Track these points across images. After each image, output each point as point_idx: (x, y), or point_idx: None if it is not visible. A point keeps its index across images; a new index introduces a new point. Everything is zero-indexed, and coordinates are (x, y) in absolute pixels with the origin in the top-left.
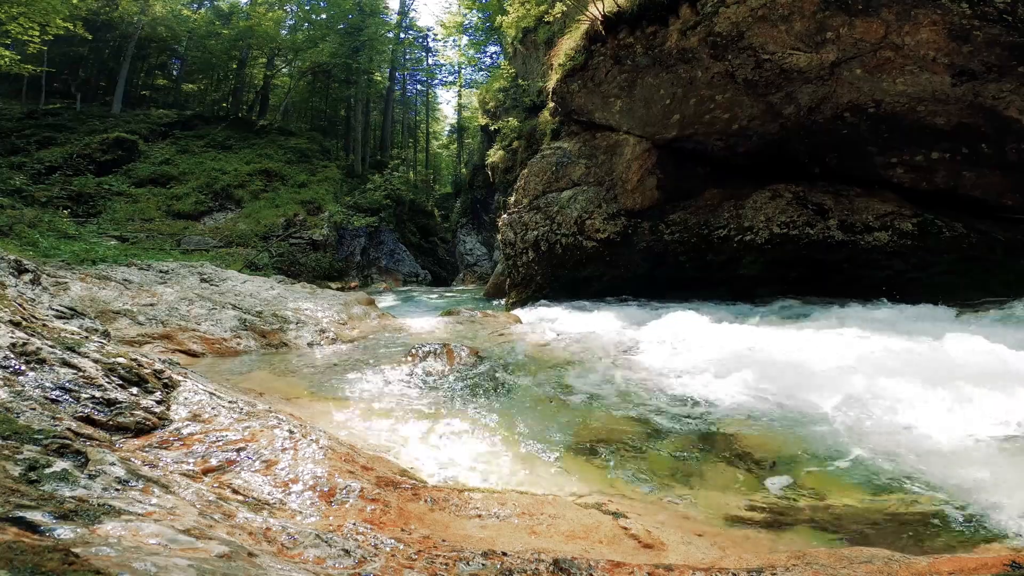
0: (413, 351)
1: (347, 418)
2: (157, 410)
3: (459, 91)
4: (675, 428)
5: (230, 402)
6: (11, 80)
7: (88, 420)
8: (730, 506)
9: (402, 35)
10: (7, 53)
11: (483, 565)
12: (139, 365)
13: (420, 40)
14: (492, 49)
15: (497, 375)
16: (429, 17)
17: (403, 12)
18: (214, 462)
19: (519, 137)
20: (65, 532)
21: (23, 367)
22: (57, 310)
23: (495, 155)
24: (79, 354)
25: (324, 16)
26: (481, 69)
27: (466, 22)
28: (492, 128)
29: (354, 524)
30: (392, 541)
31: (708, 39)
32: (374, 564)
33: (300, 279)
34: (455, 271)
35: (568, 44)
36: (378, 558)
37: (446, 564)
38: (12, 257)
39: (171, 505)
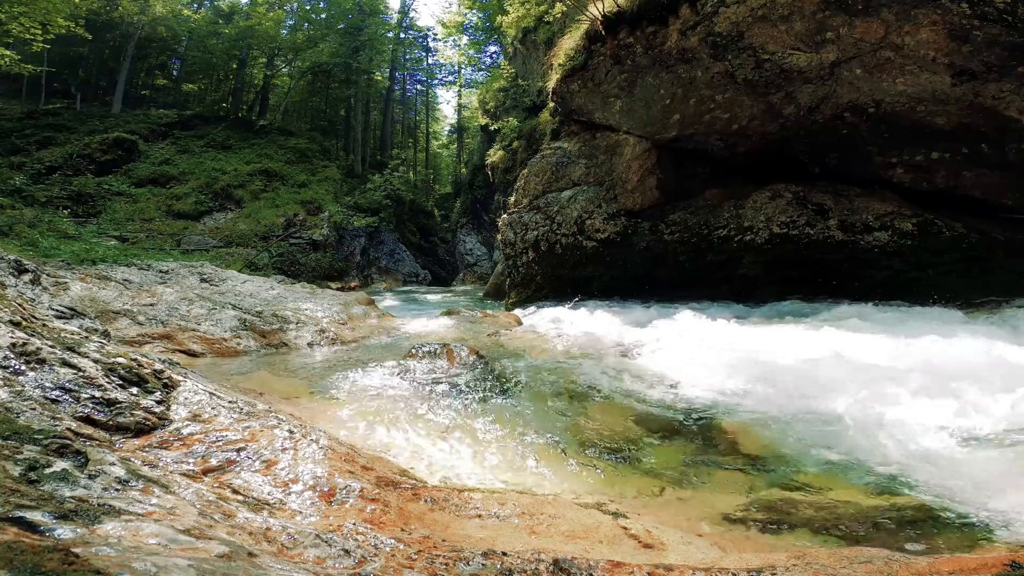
0: (413, 351)
1: (347, 418)
2: (157, 410)
3: (459, 91)
4: (675, 428)
5: (230, 402)
6: (11, 80)
7: (88, 420)
8: (730, 506)
9: (402, 35)
10: (7, 53)
11: (483, 565)
12: (139, 365)
13: (420, 40)
14: (492, 49)
15: (497, 375)
16: (429, 17)
17: (403, 12)
18: (214, 462)
19: (519, 137)
20: (65, 532)
21: (23, 367)
22: (57, 310)
23: (495, 155)
24: (79, 354)
25: (324, 16)
26: (481, 69)
27: (466, 22)
28: (492, 128)
29: (354, 524)
30: (392, 541)
31: (708, 39)
32: (374, 564)
33: (300, 279)
34: (455, 271)
35: (568, 44)
36: (378, 558)
37: (446, 564)
38: (12, 257)
39: (171, 505)
